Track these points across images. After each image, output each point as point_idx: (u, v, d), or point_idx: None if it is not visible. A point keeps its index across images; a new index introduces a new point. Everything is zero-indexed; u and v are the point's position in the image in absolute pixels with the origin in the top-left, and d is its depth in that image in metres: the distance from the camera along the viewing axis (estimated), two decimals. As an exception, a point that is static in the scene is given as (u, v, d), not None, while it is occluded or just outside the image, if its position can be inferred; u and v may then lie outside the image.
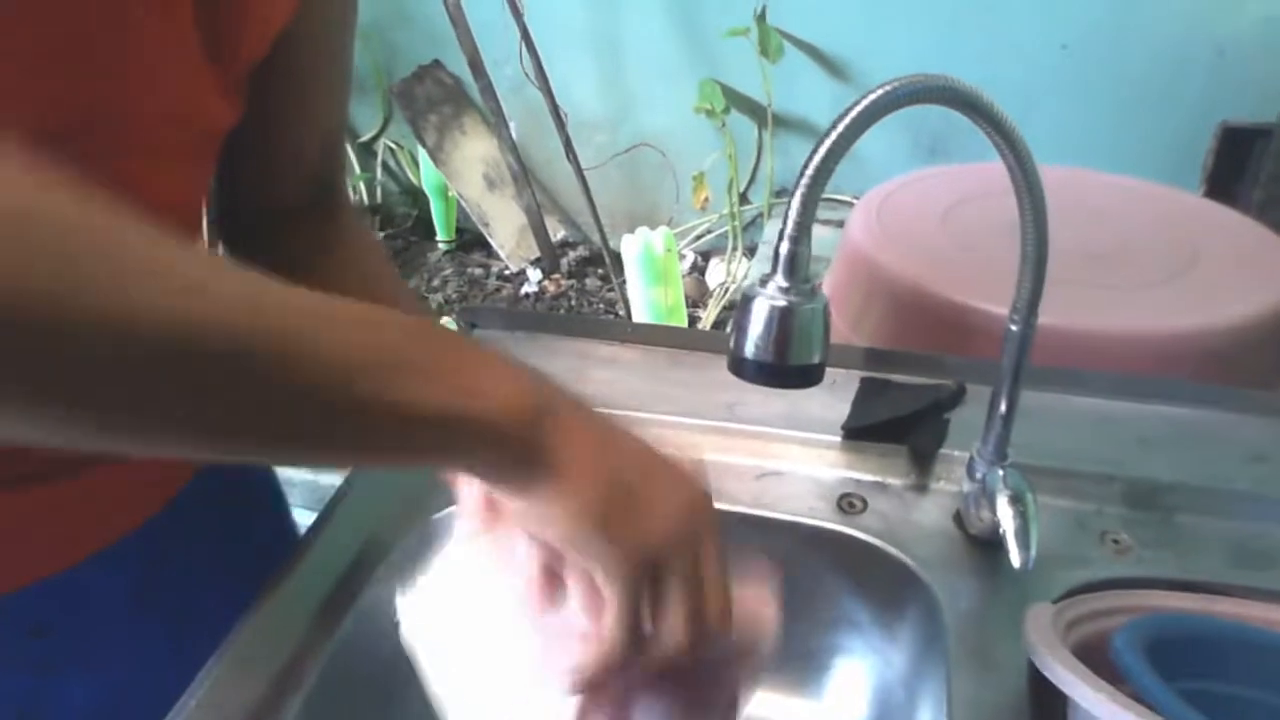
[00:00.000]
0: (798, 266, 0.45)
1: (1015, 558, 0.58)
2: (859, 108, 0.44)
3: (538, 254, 2.73)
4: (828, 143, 0.44)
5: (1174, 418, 0.80)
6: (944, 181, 1.30)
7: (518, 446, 0.39)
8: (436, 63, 2.76)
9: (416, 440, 0.37)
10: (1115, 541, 0.68)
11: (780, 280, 0.45)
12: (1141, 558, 0.67)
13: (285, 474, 1.74)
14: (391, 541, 0.69)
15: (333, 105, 0.63)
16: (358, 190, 2.95)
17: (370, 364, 0.35)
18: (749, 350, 0.46)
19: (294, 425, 0.34)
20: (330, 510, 0.71)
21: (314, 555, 0.67)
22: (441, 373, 0.37)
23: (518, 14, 2.37)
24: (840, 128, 0.44)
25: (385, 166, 2.99)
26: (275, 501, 0.80)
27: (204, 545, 0.67)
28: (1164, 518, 0.70)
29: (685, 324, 2.40)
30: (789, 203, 0.44)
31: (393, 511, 0.72)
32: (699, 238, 2.72)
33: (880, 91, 0.45)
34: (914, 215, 1.21)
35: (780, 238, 0.45)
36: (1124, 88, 2.23)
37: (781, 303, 0.45)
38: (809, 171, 0.44)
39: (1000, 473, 0.63)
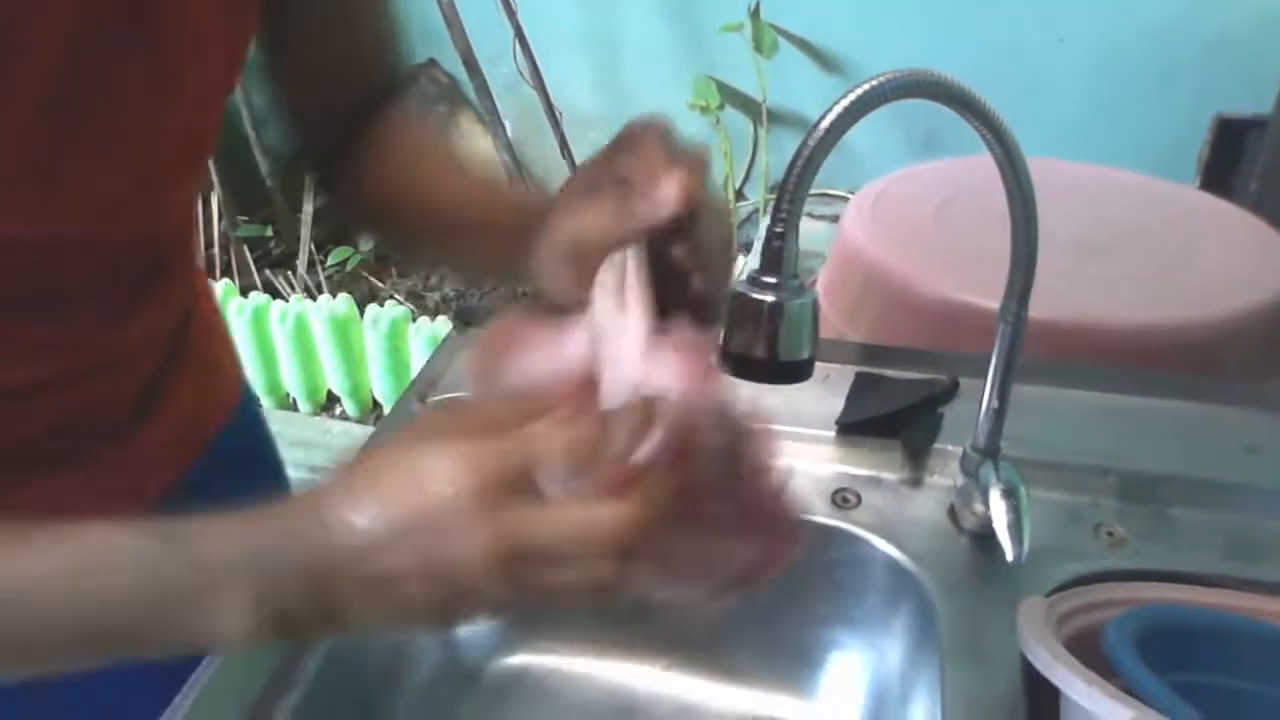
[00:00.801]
0: (785, 261, 0.44)
1: (1008, 551, 0.58)
2: (844, 103, 0.44)
3: (534, 252, 2.74)
4: (813, 140, 0.43)
5: (1168, 410, 0.80)
6: (938, 176, 1.30)
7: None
8: (431, 62, 2.76)
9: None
10: (1109, 534, 0.68)
11: (767, 276, 0.45)
12: (1135, 550, 0.67)
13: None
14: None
15: (373, 8, 0.64)
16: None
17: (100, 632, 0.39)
18: (737, 346, 0.46)
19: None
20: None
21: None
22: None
23: (511, 12, 2.37)
24: (825, 123, 0.44)
25: (381, 166, 2.99)
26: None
27: None
28: (1157, 510, 0.70)
29: (682, 321, 2.40)
30: (776, 198, 0.44)
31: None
32: (695, 234, 2.72)
33: (866, 87, 0.45)
34: (908, 210, 1.21)
35: (767, 233, 0.45)
36: (1119, 81, 2.23)
37: (769, 298, 0.45)
38: (795, 168, 0.43)
39: (993, 467, 0.63)
